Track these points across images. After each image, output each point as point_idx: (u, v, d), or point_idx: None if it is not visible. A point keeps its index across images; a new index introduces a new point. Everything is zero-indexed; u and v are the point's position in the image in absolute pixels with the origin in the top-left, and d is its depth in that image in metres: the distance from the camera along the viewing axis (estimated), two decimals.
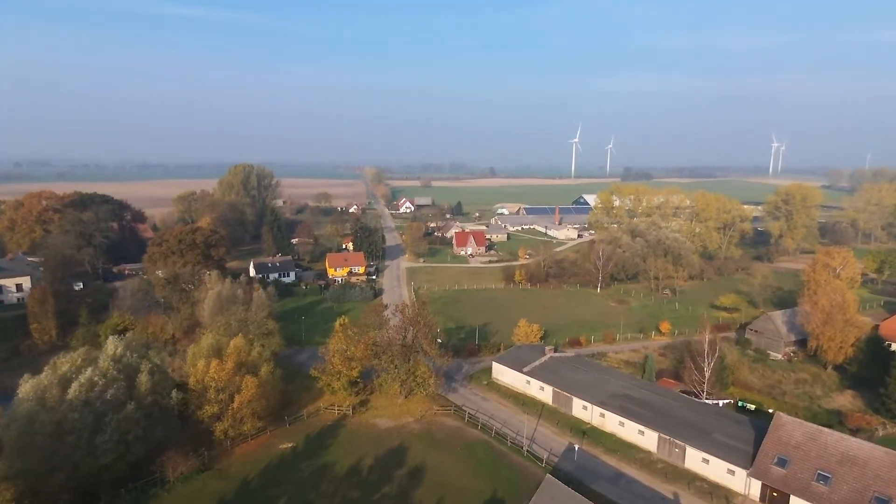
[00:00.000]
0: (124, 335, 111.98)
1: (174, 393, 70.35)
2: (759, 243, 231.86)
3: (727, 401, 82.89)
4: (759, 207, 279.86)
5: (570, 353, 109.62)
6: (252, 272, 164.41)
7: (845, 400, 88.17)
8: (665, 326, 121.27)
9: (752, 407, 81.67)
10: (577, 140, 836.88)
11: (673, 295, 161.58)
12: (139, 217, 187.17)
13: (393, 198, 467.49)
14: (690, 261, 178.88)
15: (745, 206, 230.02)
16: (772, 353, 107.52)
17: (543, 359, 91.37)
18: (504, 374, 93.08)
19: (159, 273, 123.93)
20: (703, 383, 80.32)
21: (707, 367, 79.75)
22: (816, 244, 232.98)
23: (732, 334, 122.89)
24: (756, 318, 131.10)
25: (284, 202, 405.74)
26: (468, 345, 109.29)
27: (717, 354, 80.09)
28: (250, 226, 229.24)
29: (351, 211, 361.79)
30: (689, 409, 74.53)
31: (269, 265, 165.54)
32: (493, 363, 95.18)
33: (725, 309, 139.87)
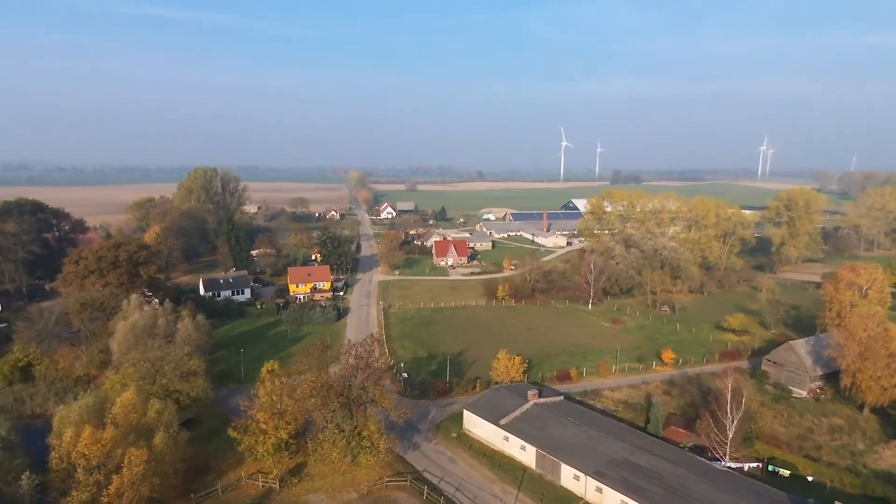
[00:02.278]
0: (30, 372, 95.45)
1: (25, 477, 52.20)
2: (757, 251, 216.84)
3: (754, 464, 66.27)
4: (754, 212, 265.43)
5: (559, 390, 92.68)
6: (202, 290, 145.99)
7: (894, 456, 71.89)
8: (667, 355, 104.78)
9: (787, 473, 65.06)
10: (565, 143, 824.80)
11: (672, 312, 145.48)
12: (79, 227, 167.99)
13: (376, 202, 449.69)
14: (690, 273, 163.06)
15: (746, 212, 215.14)
16: (794, 388, 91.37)
17: (525, 406, 74.25)
18: (477, 426, 75.81)
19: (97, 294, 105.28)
20: (726, 444, 63.50)
21: (731, 425, 62.97)
22: (819, 252, 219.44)
23: (745, 363, 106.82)
24: (770, 342, 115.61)
25: (260, 207, 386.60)
26: (437, 383, 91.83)
27: (743, 409, 63.29)
28: (213, 235, 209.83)
29: (329, 217, 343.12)
30: (712, 482, 57.68)
31: (221, 281, 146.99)
32: (465, 411, 77.82)
33: (733, 331, 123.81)
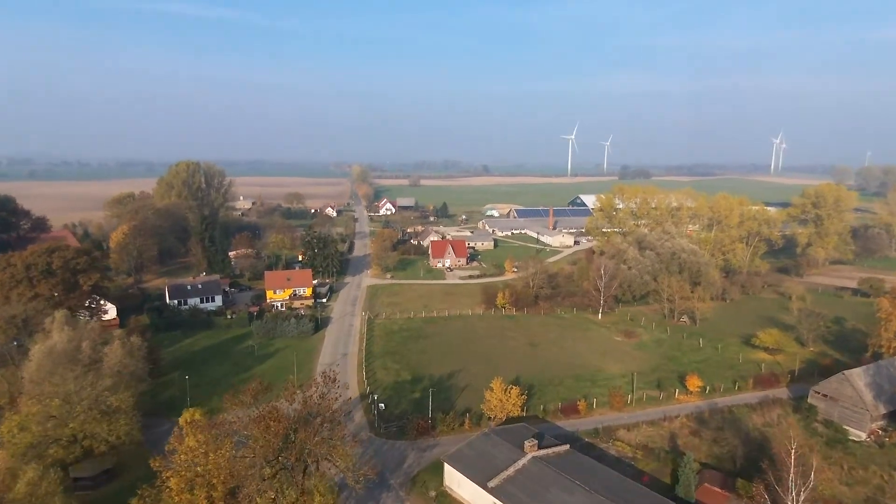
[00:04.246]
0: None
1: None
2: (779, 252, 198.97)
3: None
4: (778, 209, 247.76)
5: (564, 428, 77.35)
6: (167, 297, 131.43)
7: None
8: (693, 382, 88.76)
9: None
10: (572, 137, 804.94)
11: (692, 323, 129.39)
12: (41, 225, 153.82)
13: (376, 198, 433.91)
14: (711, 278, 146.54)
15: (770, 209, 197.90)
16: (851, 429, 75.30)
17: (521, 462, 58.78)
18: (461, 485, 60.48)
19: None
20: None
21: None
22: (849, 253, 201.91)
23: (784, 391, 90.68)
24: (810, 362, 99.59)
25: (254, 203, 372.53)
26: (417, 420, 76.35)
27: (811, 484, 47.38)
28: (193, 234, 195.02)
29: (325, 213, 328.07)
30: None
31: (189, 288, 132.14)
32: (445, 465, 62.45)
33: (765, 349, 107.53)
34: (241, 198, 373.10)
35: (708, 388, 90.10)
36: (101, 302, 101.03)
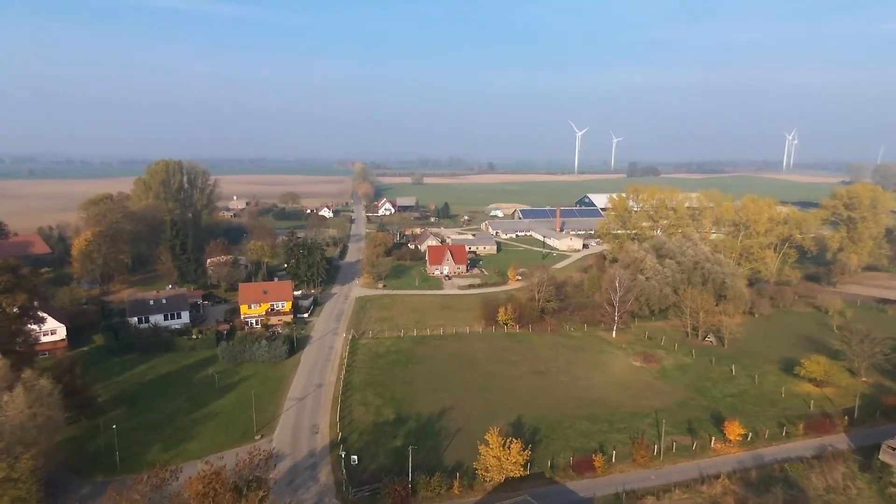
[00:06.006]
0: None
1: None
2: (805, 258, 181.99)
3: None
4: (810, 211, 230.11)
5: (578, 493, 62.19)
6: (127, 314, 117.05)
7: None
8: (733, 429, 73.15)
9: None
10: (580, 133, 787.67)
11: (720, 344, 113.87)
12: None
13: (376, 197, 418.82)
14: (738, 291, 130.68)
15: (799, 212, 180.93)
16: None
17: None
18: None
19: None
20: None
21: None
22: (883, 259, 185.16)
23: (843, 439, 75.03)
24: (867, 399, 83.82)
25: (248, 203, 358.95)
26: (395, 486, 61.14)
27: None
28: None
29: (320, 214, 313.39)
30: None
31: (151, 303, 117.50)
32: None
33: (811, 380, 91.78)
34: (235, 198, 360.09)
35: (749, 433, 74.54)
36: (34, 327, 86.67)
